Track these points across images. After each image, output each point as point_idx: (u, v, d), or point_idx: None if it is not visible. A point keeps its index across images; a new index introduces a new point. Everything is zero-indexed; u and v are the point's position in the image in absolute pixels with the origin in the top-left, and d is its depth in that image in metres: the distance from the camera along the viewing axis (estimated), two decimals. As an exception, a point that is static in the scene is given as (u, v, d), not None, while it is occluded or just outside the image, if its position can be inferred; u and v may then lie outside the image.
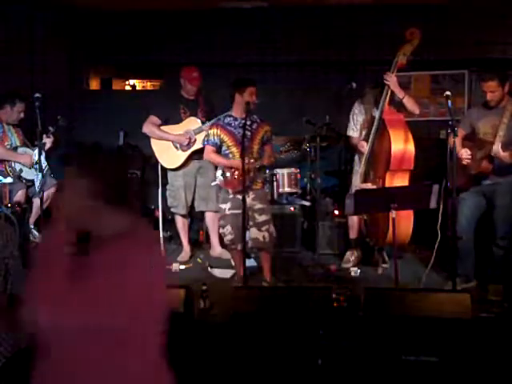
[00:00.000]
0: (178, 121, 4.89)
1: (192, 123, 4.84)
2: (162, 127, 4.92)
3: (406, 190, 4.09)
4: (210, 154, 4.30)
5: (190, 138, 4.80)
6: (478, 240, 4.22)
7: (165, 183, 5.17)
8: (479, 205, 4.11)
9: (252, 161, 4.10)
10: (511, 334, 3.20)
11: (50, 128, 4.58)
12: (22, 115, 4.85)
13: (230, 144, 4.20)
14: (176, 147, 4.91)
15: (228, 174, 4.17)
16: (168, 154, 4.93)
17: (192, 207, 5.17)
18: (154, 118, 4.92)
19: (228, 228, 4.25)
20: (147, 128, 4.93)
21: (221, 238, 5.30)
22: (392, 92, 4.38)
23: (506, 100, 4.00)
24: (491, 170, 3.95)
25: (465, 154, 3.94)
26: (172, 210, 5.15)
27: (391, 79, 4.33)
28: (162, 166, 5.06)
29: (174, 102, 4.93)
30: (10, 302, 2.50)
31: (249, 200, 4.13)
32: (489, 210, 4.10)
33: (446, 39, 6.07)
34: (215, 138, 4.23)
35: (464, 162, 3.95)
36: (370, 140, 4.49)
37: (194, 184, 5.03)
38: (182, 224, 5.18)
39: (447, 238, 4.00)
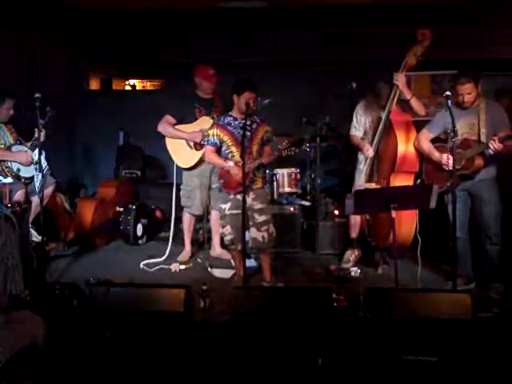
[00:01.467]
0: (193, 120, 4.89)
1: (205, 122, 4.82)
2: (176, 126, 4.92)
3: (405, 191, 4.09)
4: (210, 155, 4.30)
5: (203, 137, 4.81)
6: (473, 239, 4.22)
7: (162, 183, 5.16)
8: (467, 204, 4.13)
9: (250, 161, 4.09)
10: (511, 334, 3.20)
11: (41, 121, 4.54)
12: (11, 112, 4.79)
13: (229, 144, 4.20)
14: (190, 146, 4.91)
15: (232, 165, 4.15)
16: (182, 153, 4.93)
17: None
18: (169, 117, 4.92)
19: (228, 228, 4.25)
20: (162, 127, 4.93)
21: (221, 238, 5.32)
22: (399, 92, 4.38)
23: (479, 99, 4.04)
24: (483, 167, 3.97)
25: (450, 160, 3.93)
26: (185, 209, 5.14)
27: (400, 79, 4.33)
28: (177, 165, 5.04)
29: (190, 101, 4.93)
30: (10, 302, 2.50)
31: (249, 200, 4.13)
32: (478, 208, 4.12)
33: (446, 39, 6.06)
34: (215, 138, 4.22)
35: (449, 168, 3.92)
36: (375, 140, 4.48)
37: (209, 184, 5.02)
38: (188, 223, 5.18)
39: (445, 239, 4.01)
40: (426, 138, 4.23)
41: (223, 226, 4.30)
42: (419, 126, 4.47)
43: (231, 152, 4.20)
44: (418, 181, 4.35)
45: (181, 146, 4.93)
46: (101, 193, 6.13)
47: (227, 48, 6.55)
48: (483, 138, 3.93)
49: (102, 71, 7.88)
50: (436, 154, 4.11)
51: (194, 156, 4.91)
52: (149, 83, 8.33)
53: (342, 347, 2.98)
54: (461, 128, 4.03)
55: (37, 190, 4.42)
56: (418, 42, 4.30)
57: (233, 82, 4.23)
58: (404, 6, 5.92)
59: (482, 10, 5.92)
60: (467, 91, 3.96)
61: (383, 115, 4.43)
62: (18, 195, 4.68)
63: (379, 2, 6.03)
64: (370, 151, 4.52)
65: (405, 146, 4.30)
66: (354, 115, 4.78)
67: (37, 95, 4.03)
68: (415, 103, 4.42)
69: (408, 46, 4.36)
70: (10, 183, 4.68)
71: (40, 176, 4.20)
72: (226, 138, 4.20)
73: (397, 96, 4.38)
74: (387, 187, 4.30)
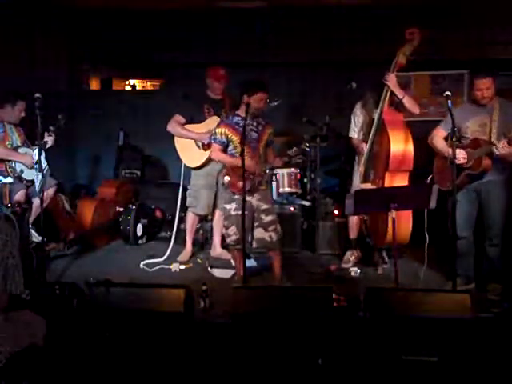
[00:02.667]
0: (202, 120, 4.91)
1: (214, 122, 4.83)
2: (185, 126, 4.94)
3: (405, 191, 4.09)
4: (217, 153, 4.26)
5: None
6: (475, 240, 4.22)
7: (161, 183, 5.16)
8: (474, 204, 4.12)
9: (257, 162, 4.08)
10: (511, 334, 3.20)
11: (51, 127, 4.58)
12: (22, 114, 4.82)
13: (237, 144, 4.14)
14: (198, 146, 4.92)
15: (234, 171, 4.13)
16: (190, 153, 4.95)
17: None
18: (178, 117, 4.94)
19: (233, 228, 4.21)
20: (171, 126, 4.95)
21: (222, 238, 5.31)
22: (392, 92, 4.39)
23: (495, 98, 4.03)
24: (491, 167, 3.96)
25: (461, 156, 3.94)
26: (190, 209, 5.15)
27: (391, 79, 4.35)
28: (185, 165, 5.05)
29: (200, 101, 4.95)
30: (9, 302, 2.50)
31: (254, 201, 4.14)
32: (482, 208, 4.12)
33: (446, 39, 6.07)
34: (222, 136, 4.19)
35: (460, 162, 3.93)
36: (369, 140, 4.50)
37: (216, 185, 5.02)
38: (191, 223, 5.18)
39: (447, 239, 4.01)
40: (439, 135, 4.22)
41: (227, 227, 4.26)
42: (418, 126, 4.48)
43: (238, 152, 4.14)
44: (430, 177, 4.32)
45: (189, 146, 4.94)
46: (101, 193, 6.12)
47: (227, 48, 6.55)
48: (494, 139, 3.91)
49: (102, 71, 7.88)
50: (448, 150, 4.09)
51: (201, 156, 4.91)
52: (149, 83, 8.33)
53: (341, 347, 2.98)
54: (472, 126, 4.03)
55: (37, 190, 4.42)
56: (407, 42, 4.31)
57: (243, 82, 4.21)
58: (404, 6, 5.94)
59: (482, 9, 5.93)
60: (486, 85, 3.96)
61: (376, 115, 4.46)
62: (19, 195, 4.67)
63: (379, 3, 6.05)
64: (364, 151, 4.55)
65: (398, 145, 4.31)
66: (352, 117, 4.80)
67: (37, 95, 4.03)
68: (408, 102, 4.43)
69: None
70: (10, 183, 4.68)
71: (40, 176, 4.20)
72: (234, 138, 4.17)
73: (388, 96, 4.40)
74: (387, 187, 4.30)
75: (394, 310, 3.06)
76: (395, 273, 3.75)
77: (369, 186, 4.48)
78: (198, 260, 5.13)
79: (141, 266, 4.92)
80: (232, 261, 4.92)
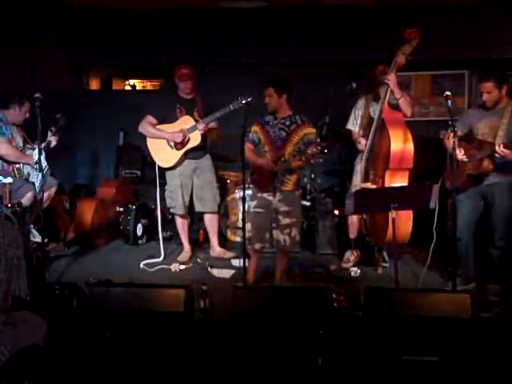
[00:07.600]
0: (173, 120, 4.90)
1: (186, 122, 4.84)
2: (157, 126, 4.93)
3: (406, 190, 4.09)
4: (247, 152, 4.20)
5: (184, 137, 4.81)
6: (476, 241, 4.21)
7: (162, 183, 5.17)
8: (477, 206, 4.11)
9: (274, 161, 4.08)
10: (511, 334, 3.20)
11: (53, 128, 4.57)
12: (27, 115, 4.82)
13: (264, 142, 4.20)
14: (171, 146, 4.92)
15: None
16: (163, 153, 4.94)
17: (191, 208, 5.18)
18: (150, 118, 4.95)
19: (248, 225, 4.17)
20: (143, 127, 4.97)
21: (220, 238, 5.32)
22: (390, 92, 4.40)
23: (505, 101, 4.00)
24: (492, 170, 3.95)
25: (459, 154, 3.94)
26: (171, 210, 5.17)
27: (391, 79, 4.36)
28: (159, 166, 5.05)
29: (172, 101, 4.94)
30: (14, 303, 2.50)
31: (275, 201, 4.14)
32: (487, 211, 4.10)
33: (445, 39, 6.07)
34: (254, 135, 4.23)
35: (461, 160, 3.94)
36: (369, 139, 4.51)
37: (191, 184, 5.03)
38: (181, 224, 5.19)
39: (446, 239, 4.01)
40: (452, 135, 4.21)
41: (246, 222, 4.23)
42: (418, 126, 4.48)
43: (265, 151, 4.20)
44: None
45: (162, 146, 4.93)
46: (101, 193, 6.12)
47: (227, 48, 6.55)
48: (499, 141, 3.87)
49: (102, 71, 7.88)
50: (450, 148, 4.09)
51: (174, 156, 4.92)
52: (149, 83, 8.33)
53: (341, 347, 2.98)
54: (482, 128, 4.02)
55: (37, 190, 4.41)
56: (406, 42, 4.33)
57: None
58: (404, 6, 5.94)
59: (482, 9, 5.94)
60: (486, 90, 3.95)
61: (375, 115, 4.46)
62: (28, 197, 4.51)
63: (379, 3, 6.05)
64: (362, 145, 4.56)
65: (398, 143, 4.33)
66: (353, 110, 4.81)
67: (37, 95, 4.03)
68: (402, 103, 4.46)
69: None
70: (10, 183, 4.66)
71: (40, 176, 4.19)
72: (261, 136, 4.21)
73: (388, 95, 4.42)
74: (386, 187, 4.30)
75: (393, 309, 3.06)
76: (395, 273, 3.75)
77: (369, 185, 4.48)
78: (198, 260, 5.13)
79: (141, 266, 4.92)
80: (232, 261, 4.94)
